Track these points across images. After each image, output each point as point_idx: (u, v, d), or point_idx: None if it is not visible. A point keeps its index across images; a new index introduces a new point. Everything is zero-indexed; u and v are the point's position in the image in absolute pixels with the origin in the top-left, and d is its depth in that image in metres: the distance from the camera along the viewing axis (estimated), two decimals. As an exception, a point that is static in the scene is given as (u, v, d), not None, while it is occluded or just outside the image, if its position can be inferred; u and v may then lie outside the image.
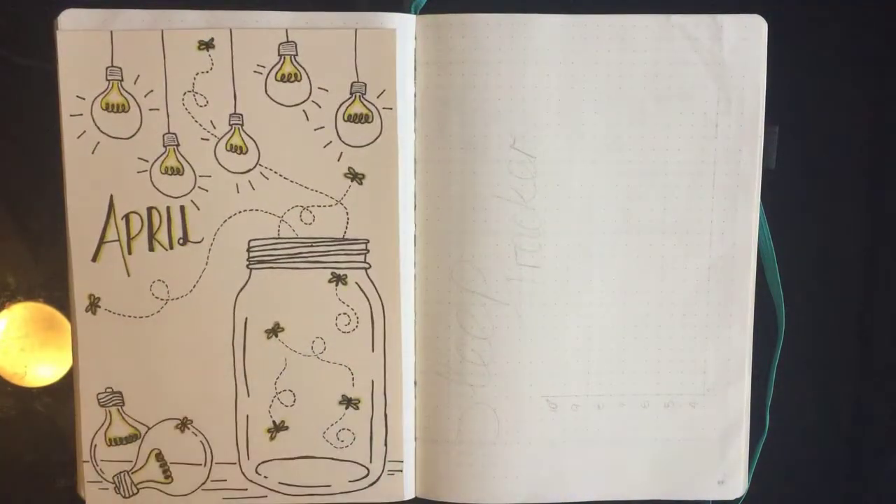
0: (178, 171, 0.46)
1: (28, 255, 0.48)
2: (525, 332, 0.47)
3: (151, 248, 0.46)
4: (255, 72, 0.45)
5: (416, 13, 0.46)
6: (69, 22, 0.45)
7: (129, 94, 0.45)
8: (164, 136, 0.45)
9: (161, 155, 0.45)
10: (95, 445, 0.47)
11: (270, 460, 0.47)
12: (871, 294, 0.50)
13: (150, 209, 0.46)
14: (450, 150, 0.46)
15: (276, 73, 0.45)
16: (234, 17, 0.45)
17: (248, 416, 0.47)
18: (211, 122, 0.45)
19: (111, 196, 0.46)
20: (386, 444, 0.47)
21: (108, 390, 0.47)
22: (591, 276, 0.47)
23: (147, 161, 0.45)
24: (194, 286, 0.46)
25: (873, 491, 0.51)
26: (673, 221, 0.47)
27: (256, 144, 0.46)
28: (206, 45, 0.45)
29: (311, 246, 0.46)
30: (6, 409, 0.49)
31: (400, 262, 0.46)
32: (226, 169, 0.46)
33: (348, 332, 0.47)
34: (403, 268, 0.46)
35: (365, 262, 0.46)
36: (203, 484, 0.47)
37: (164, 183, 0.46)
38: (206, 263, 0.46)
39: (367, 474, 0.48)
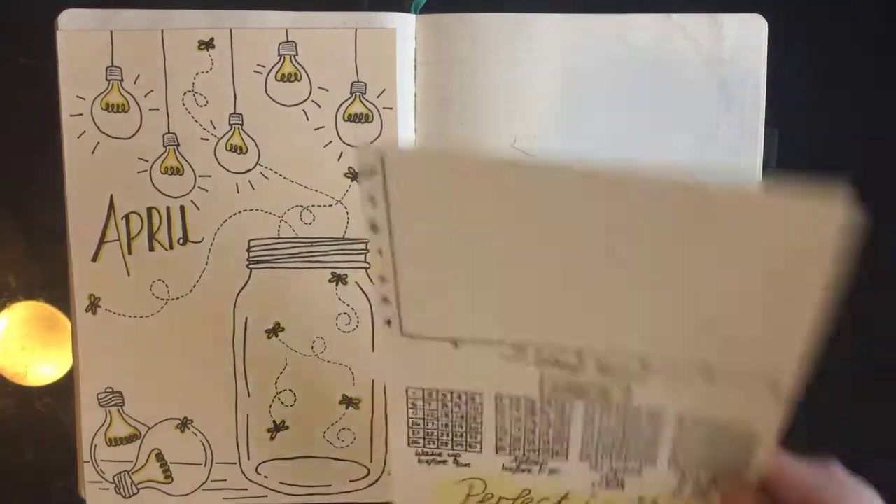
0: (177, 171, 0.46)
1: (28, 255, 0.48)
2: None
3: (151, 248, 0.46)
4: (255, 72, 0.45)
5: (416, 13, 0.46)
6: (69, 22, 0.45)
7: (129, 93, 0.45)
8: (163, 135, 0.45)
9: (161, 155, 0.45)
10: (95, 445, 0.47)
11: (271, 460, 0.47)
12: (871, 294, 0.50)
13: (150, 209, 0.46)
14: (450, 149, 0.46)
15: (276, 73, 0.45)
16: (234, 16, 0.45)
17: (248, 416, 0.47)
18: (211, 121, 0.45)
19: (111, 196, 0.46)
20: (386, 444, 0.47)
21: (109, 390, 0.47)
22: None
23: (147, 161, 0.45)
24: (194, 286, 0.46)
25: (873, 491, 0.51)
26: (673, 221, 0.47)
27: (256, 144, 0.46)
28: (206, 45, 0.45)
29: (312, 246, 0.46)
30: (7, 408, 0.49)
31: (400, 262, 0.46)
32: (226, 169, 0.46)
33: (349, 332, 0.47)
34: (403, 268, 0.46)
35: (365, 261, 0.46)
36: (203, 484, 0.47)
37: (164, 183, 0.46)
38: (206, 263, 0.46)
39: (368, 474, 0.48)
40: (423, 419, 0.38)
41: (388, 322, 0.35)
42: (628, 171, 0.30)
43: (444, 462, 0.39)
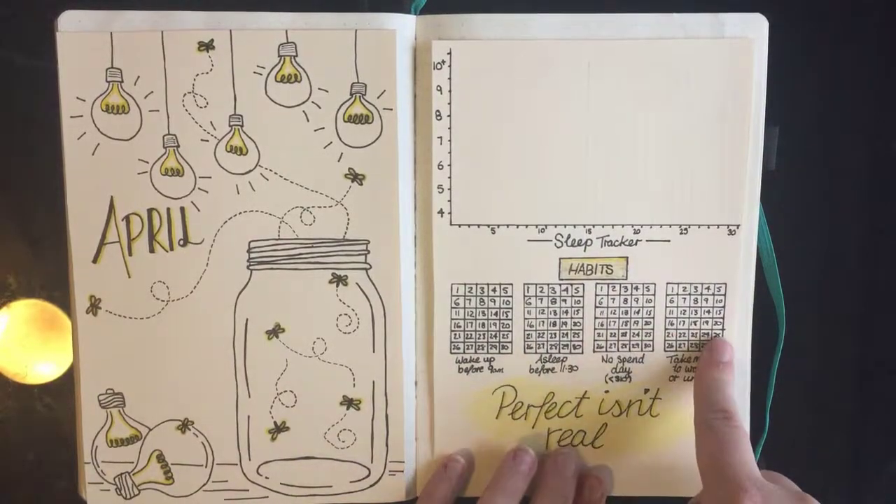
0: (178, 173, 0.46)
1: (28, 256, 0.48)
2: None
3: (152, 250, 0.46)
4: (254, 73, 0.45)
5: (416, 13, 0.46)
6: (69, 23, 0.45)
7: (129, 95, 0.45)
8: (164, 137, 0.45)
9: (161, 156, 0.45)
10: (96, 447, 0.47)
11: (272, 461, 0.48)
12: (871, 294, 0.50)
13: (150, 210, 0.46)
14: (450, 150, 0.47)
15: (276, 74, 0.45)
16: (233, 17, 0.45)
17: (249, 417, 0.47)
18: (211, 123, 0.45)
19: (111, 197, 0.46)
20: (387, 445, 0.48)
21: (109, 391, 0.47)
22: (592, 276, 0.48)
23: (147, 162, 0.45)
24: (195, 287, 0.46)
25: (874, 492, 0.51)
26: (673, 221, 0.48)
27: (256, 145, 0.46)
28: (206, 47, 0.45)
29: (312, 247, 0.46)
30: (7, 408, 0.49)
31: (400, 263, 0.46)
32: (226, 170, 0.46)
33: (349, 333, 0.47)
34: (403, 268, 0.46)
35: (365, 262, 0.46)
36: (204, 485, 0.48)
37: (165, 184, 0.46)
38: (207, 264, 0.46)
39: (369, 475, 0.48)
40: (464, 320, 0.46)
41: (441, 212, 0.45)
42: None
43: (481, 369, 0.47)
